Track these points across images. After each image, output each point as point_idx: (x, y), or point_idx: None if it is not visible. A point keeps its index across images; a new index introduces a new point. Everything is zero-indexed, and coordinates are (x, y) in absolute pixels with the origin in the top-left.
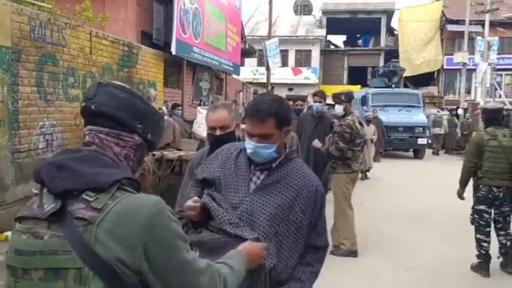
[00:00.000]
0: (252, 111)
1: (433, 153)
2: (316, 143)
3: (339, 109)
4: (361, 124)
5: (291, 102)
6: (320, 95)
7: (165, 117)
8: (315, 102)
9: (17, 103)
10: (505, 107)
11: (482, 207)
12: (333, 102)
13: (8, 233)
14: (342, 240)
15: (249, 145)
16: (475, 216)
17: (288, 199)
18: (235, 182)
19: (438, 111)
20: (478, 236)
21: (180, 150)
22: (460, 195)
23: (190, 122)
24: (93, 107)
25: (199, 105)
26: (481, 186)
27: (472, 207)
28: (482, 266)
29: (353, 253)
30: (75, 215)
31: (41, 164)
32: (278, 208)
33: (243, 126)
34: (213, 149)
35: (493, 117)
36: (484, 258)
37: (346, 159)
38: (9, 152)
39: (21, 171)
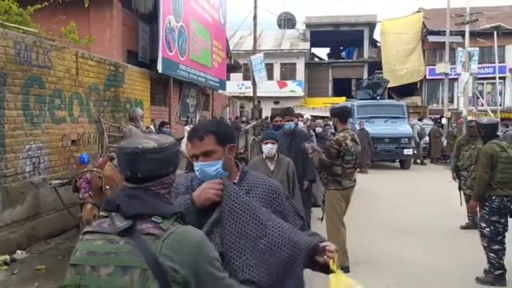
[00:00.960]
0: (191, 133)
1: (420, 163)
2: (311, 146)
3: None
4: (354, 141)
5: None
6: (291, 114)
7: (154, 135)
8: (287, 121)
9: (3, 127)
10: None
11: (495, 218)
12: (319, 115)
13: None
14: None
15: (196, 167)
16: (491, 228)
17: (264, 207)
18: (198, 215)
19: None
20: (494, 246)
21: None
22: (474, 209)
23: (179, 140)
24: (139, 175)
25: (187, 122)
26: (494, 197)
27: (483, 219)
28: (500, 276)
29: (344, 269)
30: (144, 232)
31: (116, 194)
32: (254, 220)
33: None
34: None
35: (492, 131)
36: (502, 268)
37: (335, 176)
38: None
39: (7, 195)
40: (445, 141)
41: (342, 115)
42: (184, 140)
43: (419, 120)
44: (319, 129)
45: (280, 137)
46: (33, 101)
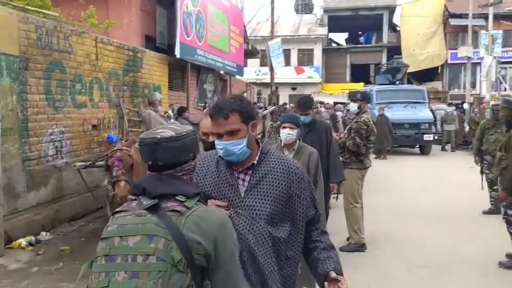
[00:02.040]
0: (215, 111)
1: (443, 149)
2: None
3: (353, 107)
4: (374, 123)
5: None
6: (303, 107)
7: (172, 120)
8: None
9: (26, 111)
10: None
11: None
12: (337, 101)
13: (21, 241)
14: (350, 232)
15: (219, 146)
16: None
17: (282, 190)
18: (224, 191)
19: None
20: None
21: None
22: (505, 199)
23: (197, 125)
24: (160, 164)
25: (204, 107)
26: None
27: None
28: None
29: (361, 246)
30: (169, 209)
31: (142, 178)
32: (275, 202)
33: None
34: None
35: None
36: None
37: (359, 155)
38: (20, 160)
39: (32, 178)
40: (467, 127)
41: (367, 98)
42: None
43: (448, 105)
44: (339, 114)
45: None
46: (55, 85)
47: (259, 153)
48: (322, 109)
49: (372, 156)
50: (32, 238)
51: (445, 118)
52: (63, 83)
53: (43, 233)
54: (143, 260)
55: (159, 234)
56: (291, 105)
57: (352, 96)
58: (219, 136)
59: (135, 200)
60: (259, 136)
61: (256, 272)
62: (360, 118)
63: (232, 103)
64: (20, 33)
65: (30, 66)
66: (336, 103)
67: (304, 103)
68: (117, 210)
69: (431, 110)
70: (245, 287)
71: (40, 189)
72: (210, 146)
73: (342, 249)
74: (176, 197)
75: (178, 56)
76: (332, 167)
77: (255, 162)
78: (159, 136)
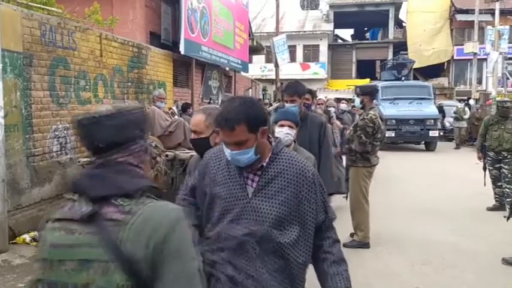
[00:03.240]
0: (221, 121)
1: (457, 147)
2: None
3: (357, 102)
4: (381, 119)
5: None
6: (291, 93)
7: (176, 117)
8: (286, 102)
9: (30, 107)
10: None
11: None
12: (342, 97)
13: (25, 236)
14: (355, 230)
15: (227, 153)
16: None
17: (291, 193)
18: (233, 190)
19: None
20: None
21: (191, 149)
22: None
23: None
24: (100, 144)
25: (209, 103)
26: None
27: None
28: None
29: (365, 245)
30: (106, 217)
31: (75, 176)
32: (282, 205)
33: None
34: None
35: None
36: None
37: (365, 153)
38: (24, 156)
39: (36, 174)
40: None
41: (372, 93)
42: None
43: (461, 101)
44: (332, 109)
45: None
46: (59, 82)
47: (270, 154)
48: (343, 105)
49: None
50: (36, 234)
51: (459, 114)
52: (67, 80)
53: None
54: None
55: (94, 257)
56: None
57: (355, 91)
58: (226, 143)
59: (72, 199)
60: None
61: (253, 276)
62: (367, 115)
63: (239, 113)
64: (24, 30)
65: (34, 62)
66: (339, 99)
67: (293, 87)
68: (52, 217)
69: (440, 106)
70: None
71: (44, 185)
72: (191, 143)
73: (345, 245)
74: (114, 201)
75: (182, 52)
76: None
77: (265, 164)
78: (96, 115)
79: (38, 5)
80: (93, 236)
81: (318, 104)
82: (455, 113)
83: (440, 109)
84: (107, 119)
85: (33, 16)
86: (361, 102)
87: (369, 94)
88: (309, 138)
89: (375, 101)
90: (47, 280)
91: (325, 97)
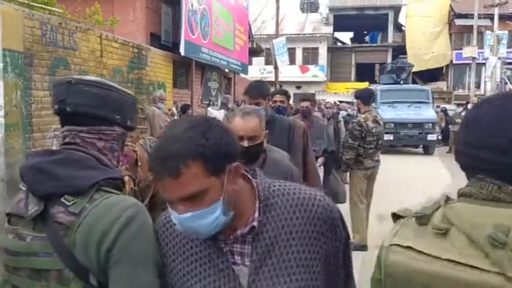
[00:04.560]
0: (156, 163)
1: (449, 150)
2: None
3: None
4: (377, 122)
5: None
6: (253, 95)
7: (175, 117)
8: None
9: (30, 107)
10: None
11: None
12: (342, 100)
13: None
14: (353, 232)
15: (174, 218)
16: None
17: (314, 255)
18: (211, 279)
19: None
20: None
21: None
22: None
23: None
24: (68, 108)
25: (209, 105)
26: None
27: None
28: None
29: (363, 247)
30: (55, 219)
31: (22, 166)
32: (307, 278)
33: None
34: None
35: None
36: None
37: (358, 155)
38: (24, 156)
39: None
40: None
41: (364, 97)
42: None
43: (459, 106)
44: (344, 113)
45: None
46: None
47: (257, 206)
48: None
49: None
50: None
51: (454, 119)
52: None
53: None
54: None
55: (46, 267)
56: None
57: (356, 93)
58: (171, 203)
59: (24, 192)
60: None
61: None
62: (356, 118)
63: (187, 144)
64: (25, 30)
65: (35, 62)
66: (340, 102)
67: (255, 88)
68: (7, 211)
69: (445, 110)
70: None
71: None
72: (245, 152)
73: None
74: (62, 199)
75: (183, 53)
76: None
77: (255, 223)
78: (77, 77)
79: (39, 5)
80: (44, 242)
81: (326, 108)
82: (451, 117)
83: (445, 113)
84: (85, 84)
85: (35, 16)
86: (357, 105)
87: (359, 98)
88: (276, 143)
89: (373, 104)
90: (10, 282)
91: (334, 101)
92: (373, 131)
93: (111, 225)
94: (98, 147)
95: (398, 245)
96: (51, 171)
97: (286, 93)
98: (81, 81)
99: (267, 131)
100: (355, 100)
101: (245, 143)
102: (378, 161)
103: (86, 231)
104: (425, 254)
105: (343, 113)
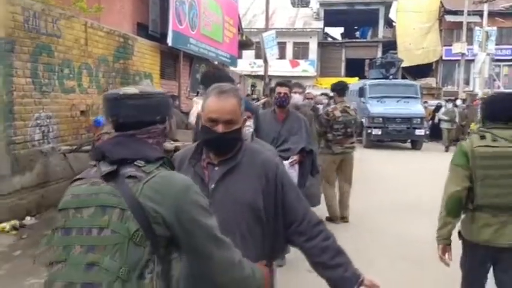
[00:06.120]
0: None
1: (446, 149)
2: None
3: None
4: (346, 112)
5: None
6: (206, 83)
7: None
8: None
9: (12, 94)
10: None
11: None
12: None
13: (5, 225)
14: (327, 206)
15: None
16: None
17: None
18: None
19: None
20: None
21: (176, 140)
22: None
23: (187, 113)
24: (121, 120)
25: (196, 96)
26: None
27: None
28: None
29: (334, 219)
30: (127, 175)
31: (102, 142)
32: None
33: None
34: (205, 150)
35: None
36: None
37: (327, 141)
38: (5, 144)
39: (17, 162)
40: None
41: (339, 89)
42: (193, 112)
43: (448, 101)
44: (321, 107)
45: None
46: (42, 69)
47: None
48: (297, 96)
49: None
50: (17, 222)
51: (449, 116)
52: (50, 67)
53: (28, 218)
54: (98, 234)
55: (112, 204)
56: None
57: (331, 86)
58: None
59: (95, 166)
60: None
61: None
62: (326, 109)
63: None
64: (7, 15)
65: (17, 49)
66: (322, 94)
67: (209, 77)
68: (75, 178)
69: (440, 106)
70: (225, 259)
71: (25, 173)
72: (218, 140)
73: None
74: (135, 162)
75: (170, 44)
76: None
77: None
78: (121, 92)
79: None
80: (114, 187)
81: (308, 99)
82: (444, 114)
83: (438, 109)
84: (130, 98)
85: (16, 1)
86: (331, 97)
87: (337, 91)
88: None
89: (362, 98)
90: (63, 227)
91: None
92: (340, 119)
93: (175, 187)
94: (149, 143)
95: (479, 146)
96: (126, 143)
97: (290, 86)
98: (126, 96)
99: (248, 115)
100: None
101: (219, 128)
102: (350, 147)
103: (155, 186)
104: (492, 146)
105: (320, 107)
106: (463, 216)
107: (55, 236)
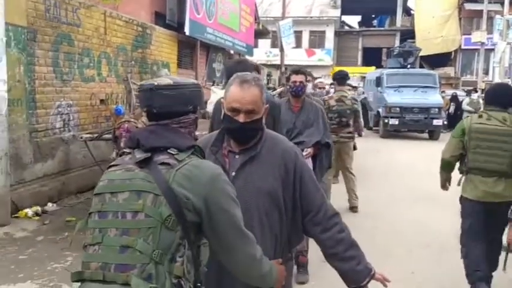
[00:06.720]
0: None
1: None
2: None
3: (360, 89)
4: (341, 101)
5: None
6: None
7: None
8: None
9: (34, 83)
10: None
11: None
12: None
13: (27, 210)
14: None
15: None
16: None
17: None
18: None
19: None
20: None
21: None
22: None
23: (204, 103)
24: (155, 110)
25: (213, 85)
26: None
27: None
28: None
29: None
30: (160, 162)
31: (137, 130)
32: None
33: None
34: (226, 138)
35: None
36: None
37: None
38: (27, 131)
39: (39, 150)
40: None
41: (338, 78)
42: (211, 101)
43: (467, 91)
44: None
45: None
46: (63, 58)
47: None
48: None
49: None
50: (39, 208)
51: (474, 107)
52: (71, 56)
53: (50, 204)
54: (132, 217)
55: (146, 189)
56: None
57: (333, 75)
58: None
59: (130, 153)
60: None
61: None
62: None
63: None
64: (28, 5)
65: (38, 38)
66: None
67: (234, 68)
68: (111, 164)
69: (456, 95)
70: (247, 250)
71: (47, 161)
72: (239, 129)
73: None
74: (168, 150)
75: (187, 33)
76: None
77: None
78: (155, 83)
79: None
80: (147, 173)
81: (319, 88)
82: (468, 104)
83: (454, 99)
84: (164, 88)
85: None
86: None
87: (337, 79)
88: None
89: (379, 88)
90: (99, 211)
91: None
92: (334, 108)
93: (206, 175)
94: (182, 133)
95: (475, 122)
96: (160, 132)
97: (305, 73)
98: (160, 87)
99: (267, 105)
100: (360, 84)
101: (241, 118)
102: (346, 137)
103: (187, 173)
104: (485, 124)
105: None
106: (463, 179)
107: (91, 220)
